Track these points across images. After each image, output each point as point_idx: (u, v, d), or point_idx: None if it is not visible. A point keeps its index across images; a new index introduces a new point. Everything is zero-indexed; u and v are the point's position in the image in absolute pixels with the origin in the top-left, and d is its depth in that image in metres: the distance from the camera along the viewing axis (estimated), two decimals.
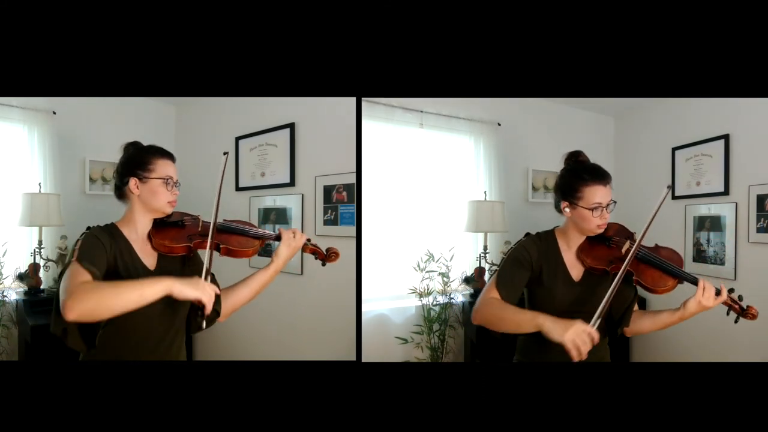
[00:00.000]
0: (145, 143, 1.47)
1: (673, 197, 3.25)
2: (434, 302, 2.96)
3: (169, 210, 1.44)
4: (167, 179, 1.42)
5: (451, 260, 3.01)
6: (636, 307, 1.55)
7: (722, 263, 2.90)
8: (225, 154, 1.50)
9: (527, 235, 1.57)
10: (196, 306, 1.34)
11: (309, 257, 1.56)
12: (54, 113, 2.99)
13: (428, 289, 2.94)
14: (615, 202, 1.46)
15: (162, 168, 1.42)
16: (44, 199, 2.79)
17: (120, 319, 1.27)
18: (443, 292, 3.00)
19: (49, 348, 2.46)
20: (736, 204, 2.83)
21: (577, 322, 1.27)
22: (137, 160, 1.43)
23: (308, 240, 1.55)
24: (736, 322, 1.45)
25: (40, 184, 2.89)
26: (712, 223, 2.97)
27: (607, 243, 1.49)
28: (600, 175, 1.45)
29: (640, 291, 1.53)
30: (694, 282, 1.42)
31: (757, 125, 2.73)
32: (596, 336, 1.27)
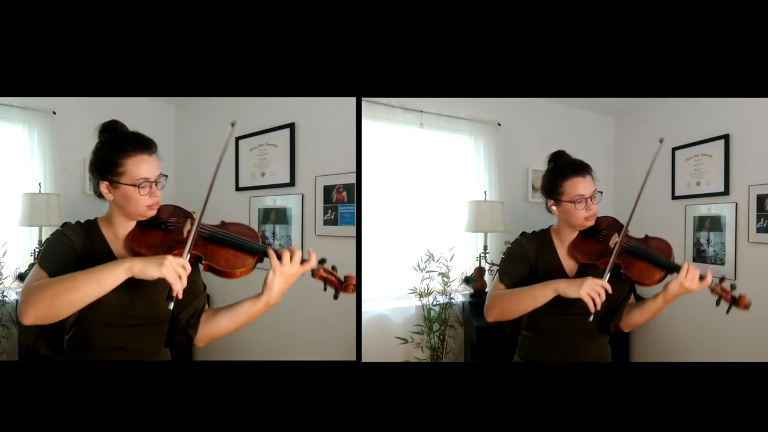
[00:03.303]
0: None
1: (673, 197, 3.25)
2: (434, 302, 2.96)
3: (150, 214, 1.24)
4: (141, 183, 1.19)
5: (451, 260, 3.01)
6: (632, 299, 1.56)
7: (722, 263, 2.90)
8: (232, 124, 1.28)
9: (523, 233, 1.60)
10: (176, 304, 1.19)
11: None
12: (54, 113, 2.99)
13: (428, 289, 2.93)
14: (601, 192, 1.47)
15: (134, 168, 1.19)
16: (44, 199, 2.79)
17: (86, 328, 1.21)
18: (443, 292, 3.00)
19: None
20: (736, 204, 2.83)
21: (589, 278, 1.34)
22: (104, 160, 1.22)
23: (321, 261, 1.24)
24: (727, 312, 1.39)
25: (40, 184, 2.89)
26: (712, 223, 2.97)
27: (596, 237, 1.50)
28: (578, 168, 1.47)
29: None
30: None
31: (757, 125, 2.73)
32: (609, 287, 1.34)
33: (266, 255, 1.22)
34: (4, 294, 2.80)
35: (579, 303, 1.36)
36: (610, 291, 1.34)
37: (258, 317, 1.27)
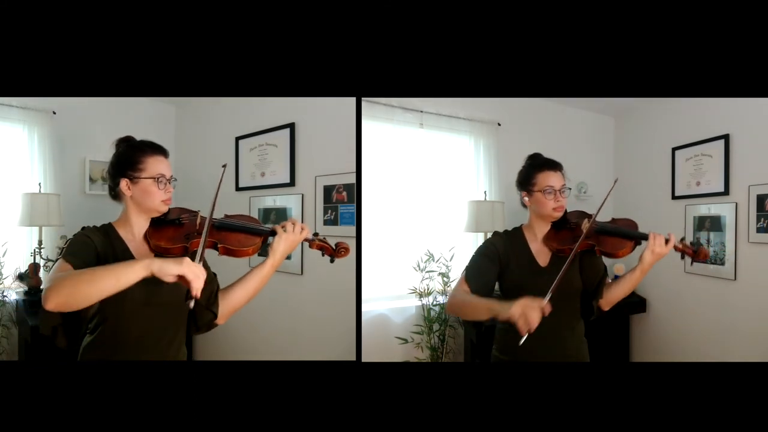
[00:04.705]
0: None
1: (673, 197, 3.25)
2: (434, 302, 2.96)
3: (164, 209, 1.38)
4: (159, 178, 1.36)
5: (451, 260, 3.01)
6: (608, 280, 1.67)
7: (722, 263, 2.90)
8: (223, 166, 1.44)
9: (495, 232, 1.70)
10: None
11: (309, 256, 1.50)
12: (54, 113, 2.99)
13: (428, 289, 2.93)
14: (570, 188, 1.62)
15: (153, 166, 1.37)
16: (44, 199, 2.79)
17: (114, 315, 1.29)
18: (443, 292, 3.00)
19: (49, 348, 2.46)
20: (736, 204, 2.83)
21: (524, 298, 1.31)
22: (127, 159, 1.37)
23: (315, 234, 1.43)
24: (691, 263, 1.57)
25: (40, 184, 2.89)
26: (712, 223, 2.97)
27: (568, 226, 1.63)
28: (550, 163, 1.63)
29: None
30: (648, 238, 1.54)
31: (757, 125, 2.73)
32: (547, 309, 1.30)
33: (271, 234, 1.39)
34: (4, 294, 2.80)
35: (558, 290, 1.41)
36: (546, 312, 1.29)
37: (267, 280, 1.42)
